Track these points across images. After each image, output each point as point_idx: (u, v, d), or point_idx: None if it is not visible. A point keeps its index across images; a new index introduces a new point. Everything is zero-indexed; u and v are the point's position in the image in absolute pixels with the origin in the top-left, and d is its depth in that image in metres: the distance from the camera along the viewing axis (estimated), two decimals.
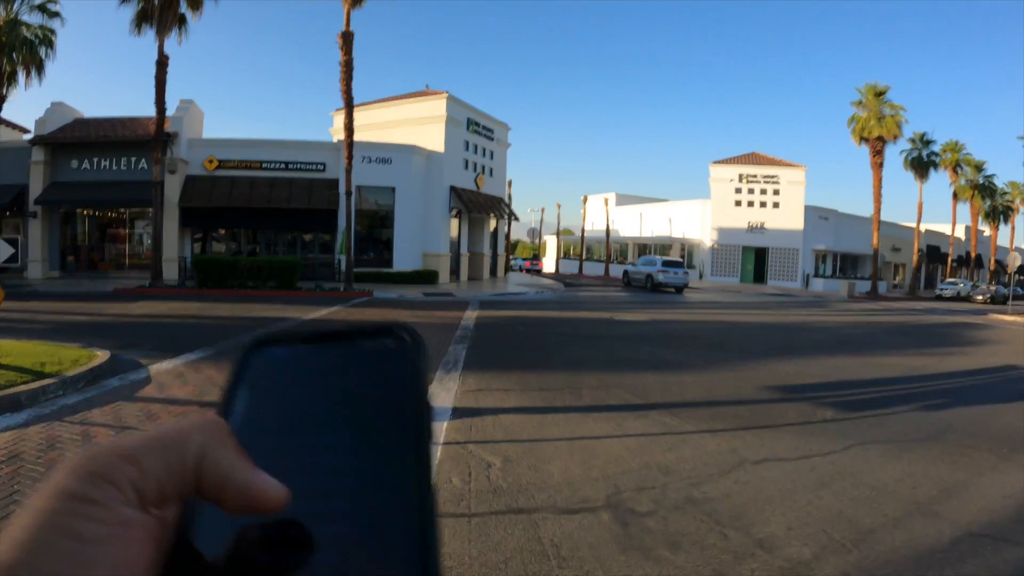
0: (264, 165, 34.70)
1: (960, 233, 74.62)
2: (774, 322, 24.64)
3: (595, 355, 14.00)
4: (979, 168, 66.18)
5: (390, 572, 0.36)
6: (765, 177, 59.75)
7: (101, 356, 11.08)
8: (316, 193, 34.15)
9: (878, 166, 51.97)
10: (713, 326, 22.02)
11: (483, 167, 41.10)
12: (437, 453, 6.92)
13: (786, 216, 59.14)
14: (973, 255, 76.13)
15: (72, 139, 34.99)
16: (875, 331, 22.74)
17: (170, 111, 34.38)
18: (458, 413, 8.62)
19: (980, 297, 53.05)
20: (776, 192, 59.80)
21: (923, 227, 66.12)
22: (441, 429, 7.87)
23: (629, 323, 21.46)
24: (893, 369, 14.15)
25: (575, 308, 26.58)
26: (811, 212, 59.79)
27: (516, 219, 45.04)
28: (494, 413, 8.73)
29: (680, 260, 48.56)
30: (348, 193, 29.19)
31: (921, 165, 60.01)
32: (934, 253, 69.84)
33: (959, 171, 64.85)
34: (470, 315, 21.21)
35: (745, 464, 7.15)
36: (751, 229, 59.51)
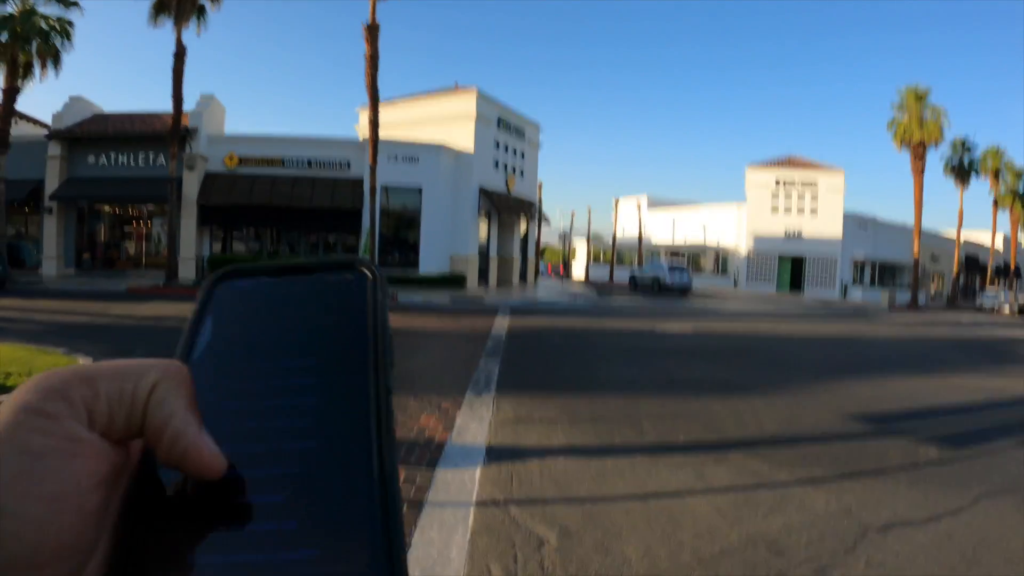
0: (286, 163, 33.36)
1: (999, 243, 71.32)
2: (824, 335, 22.97)
3: (646, 374, 12.33)
4: (1020, 175, 63.03)
5: (350, 481, 0.37)
6: (803, 182, 57.74)
7: None
8: (340, 192, 32.74)
9: (919, 172, 50.06)
10: (762, 339, 20.36)
11: (513, 168, 39.50)
12: (469, 517, 5.36)
13: (824, 223, 56.97)
14: (1012, 265, 70.58)
15: (89, 133, 33.92)
16: (934, 346, 20.85)
17: (190, 107, 33.32)
18: (494, 454, 6.96)
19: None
20: (814, 198, 57.66)
21: (963, 236, 64.11)
22: (474, 480, 6.25)
23: (672, 335, 19.79)
24: (975, 392, 12.34)
25: (612, 317, 24.99)
26: (849, 219, 57.49)
27: (548, 223, 43.45)
28: (539, 455, 7.04)
29: (683, 265, 50.37)
30: (373, 191, 27.72)
31: (962, 171, 57.81)
32: (972, 263, 67.45)
33: (1000, 178, 61.93)
34: (501, 323, 19.65)
35: (869, 534, 5.46)
36: (788, 236, 57.45)
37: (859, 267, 58.94)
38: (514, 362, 12.63)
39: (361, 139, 34.31)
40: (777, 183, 57.78)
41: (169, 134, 28.14)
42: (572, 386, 10.76)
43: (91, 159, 33.92)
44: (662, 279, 43.01)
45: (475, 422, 8.11)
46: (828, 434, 8.67)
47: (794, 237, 57.52)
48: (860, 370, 14.35)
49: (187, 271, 31.41)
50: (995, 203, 63.86)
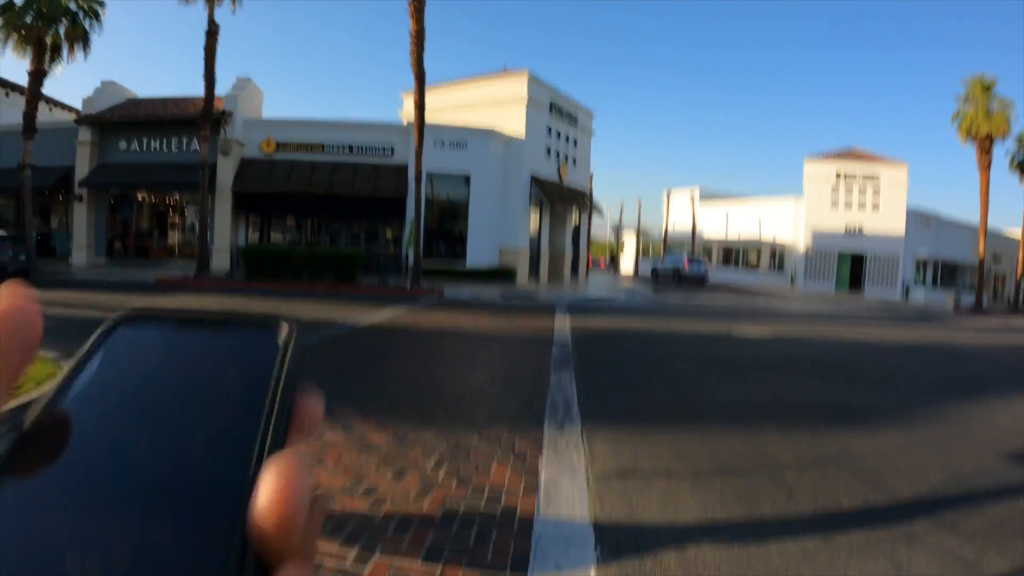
0: (326, 148, 31.50)
1: None
2: (910, 342, 20.40)
3: (750, 394, 10.07)
4: None
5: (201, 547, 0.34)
6: (864, 176, 54.60)
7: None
8: (383, 179, 30.78)
9: (986, 167, 47.14)
10: (849, 347, 17.97)
11: (566, 155, 37.25)
12: None
13: (886, 219, 53.94)
14: None
15: (120, 118, 32.40)
16: None
17: (225, 90, 31.58)
18: (608, 541, 4.60)
19: None
20: (876, 192, 54.55)
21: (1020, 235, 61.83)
22: None
23: (753, 341, 17.47)
24: None
25: (678, 317, 22.69)
26: (912, 216, 54.50)
27: (601, 214, 41.13)
28: (673, 539, 4.75)
29: (700, 257, 53.74)
30: (418, 178, 25.70)
31: None
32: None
33: None
34: (562, 324, 17.46)
35: None
36: (848, 232, 54.47)
37: (921, 266, 56.09)
38: (591, 377, 10.42)
39: (405, 123, 32.35)
40: (837, 176, 54.79)
41: (201, 116, 26.30)
42: (673, 413, 8.53)
43: (122, 145, 32.37)
44: (680, 270, 47.01)
45: (566, 476, 5.85)
46: (1005, 486, 6.40)
47: (854, 233, 54.52)
48: (979, 389, 11.91)
49: (221, 261, 29.62)
50: None
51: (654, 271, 51.41)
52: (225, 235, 30.61)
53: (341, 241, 32.86)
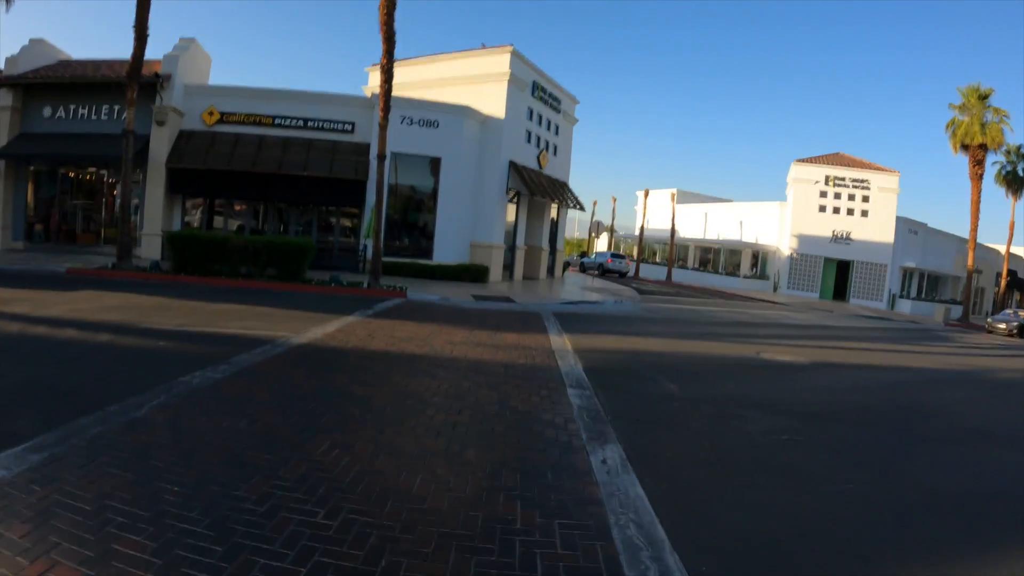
0: (277, 121, 27.52)
1: None
2: (963, 369, 17.99)
3: (886, 485, 6.66)
4: None
5: None
6: (854, 181, 52.52)
7: None
8: (340, 159, 26.88)
9: (978, 177, 46.39)
10: (895, 376, 15.13)
11: (547, 143, 33.58)
12: None
13: (875, 227, 51.93)
14: None
15: (45, 79, 27.99)
16: None
17: (166, 51, 27.57)
18: None
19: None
20: (865, 199, 52.53)
21: (1002, 248, 61.16)
22: None
23: (795, 369, 14.30)
24: None
25: (689, 330, 19.47)
26: (901, 224, 52.67)
27: (582, 209, 37.45)
28: None
29: (623, 253, 63.23)
30: (381, 157, 21.93)
31: (1016, 180, 53.59)
32: (1012, 278, 62.43)
33: None
34: (560, 343, 13.90)
35: None
36: (835, 239, 52.31)
37: (907, 276, 54.26)
38: (651, 457, 6.82)
39: (369, 95, 28.54)
40: (827, 180, 52.56)
41: (128, 75, 22.23)
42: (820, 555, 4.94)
43: (47, 112, 28.03)
44: (604, 264, 55.68)
45: None
46: None
47: (842, 239, 52.45)
48: None
49: (151, 249, 25.63)
50: None
51: (581, 265, 57.70)
52: (157, 219, 26.53)
53: (292, 229, 28.90)
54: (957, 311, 49.36)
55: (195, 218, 28.86)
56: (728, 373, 13.03)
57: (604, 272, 54.47)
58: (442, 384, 9.12)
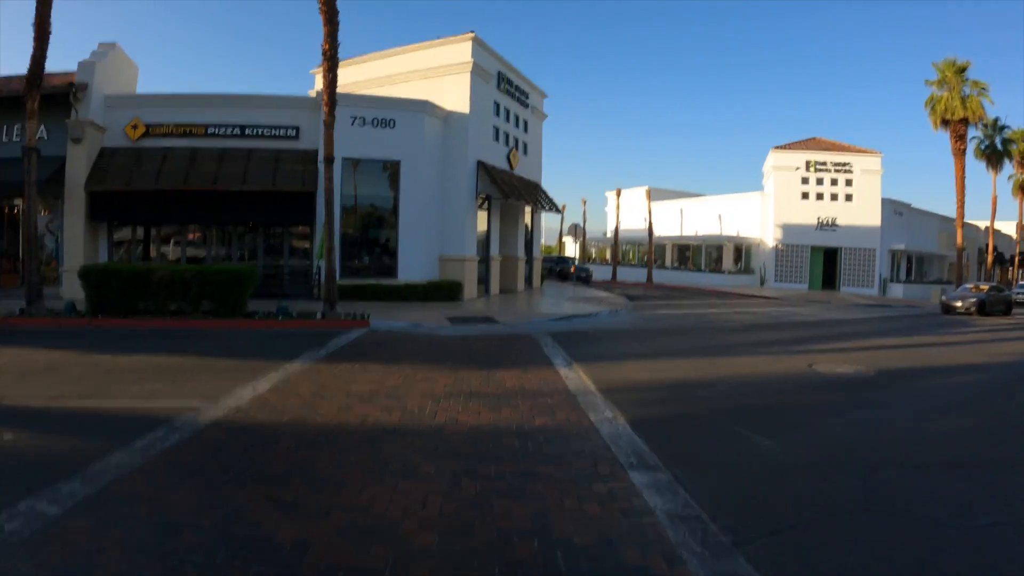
0: (211, 130, 24.02)
1: (1011, 231, 68.75)
2: (1007, 360, 16.14)
3: None
4: None
5: None
6: (836, 165, 50.20)
7: None
8: (285, 169, 23.46)
9: (961, 153, 44.75)
10: (977, 378, 13.24)
11: (516, 140, 30.39)
12: None
13: (861, 211, 49.53)
14: None
15: None
16: None
17: (83, 57, 24.11)
18: None
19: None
20: (848, 183, 50.17)
21: (981, 225, 62.49)
22: None
23: (865, 385, 11.54)
24: None
25: (708, 342, 16.57)
26: (886, 206, 50.42)
27: (558, 211, 34.31)
28: None
29: (570, 257, 61.69)
30: (328, 161, 18.66)
31: (995, 154, 53.50)
32: (996, 254, 61.26)
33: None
34: (579, 384, 10.59)
35: None
36: (821, 226, 49.85)
37: (896, 259, 52.06)
38: None
39: (314, 94, 25.21)
40: (808, 166, 50.19)
41: (27, 85, 18.68)
42: None
43: None
44: (566, 269, 51.32)
45: None
46: None
47: (828, 226, 50.00)
48: None
49: (72, 288, 21.82)
50: (1021, 189, 59.56)
51: (550, 270, 51.91)
52: (78, 252, 22.90)
53: (236, 253, 25.38)
54: (949, 292, 47.29)
55: (126, 249, 25.23)
56: (804, 403, 10.09)
57: (565, 277, 51.43)
58: (430, 495, 5.70)
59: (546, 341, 15.53)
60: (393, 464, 6.51)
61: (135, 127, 24.01)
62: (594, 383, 10.63)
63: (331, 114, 18.62)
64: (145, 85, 25.16)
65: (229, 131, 24.07)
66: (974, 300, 32.37)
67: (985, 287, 34.29)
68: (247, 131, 24.09)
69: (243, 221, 24.80)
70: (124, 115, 24.09)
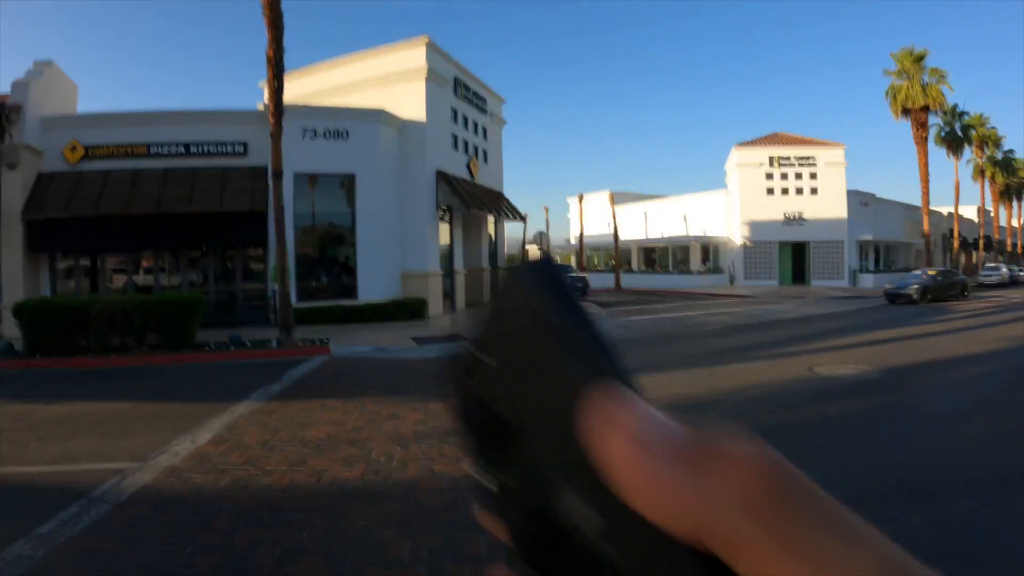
0: (153, 150, 22.74)
1: (972, 215, 70.47)
2: (983, 352, 15.11)
3: None
4: (998, 144, 62.04)
5: None
6: (799, 159, 50.21)
7: None
8: (233, 187, 22.26)
9: (923, 140, 44.60)
10: (988, 369, 12.98)
11: (476, 148, 29.40)
12: None
13: (827, 204, 49.41)
14: (998, 237, 72.54)
15: None
16: None
17: (19, 75, 22.82)
18: None
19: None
20: (813, 176, 50.09)
21: (944, 211, 63.56)
22: None
23: (871, 388, 10.84)
24: None
25: (695, 349, 15.74)
26: (852, 197, 50.35)
27: (523, 220, 33.38)
28: None
29: (563, 264, 49.51)
30: (277, 175, 17.57)
31: (955, 140, 54.93)
32: (950, 239, 62.26)
33: (983, 148, 60.38)
34: None
35: None
36: (788, 220, 49.68)
37: (864, 250, 52.38)
38: None
39: (262, 108, 24.04)
40: (772, 161, 50.02)
41: None
42: None
43: None
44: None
45: None
46: None
47: (795, 220, 49.86)
48: None
49: (10, 327, 20.42)
50: (981, 173, 62.09)
51: None
52: (17, 286, 21.46)
53: (185, 280, 24.06)
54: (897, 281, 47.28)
55: (74, 281, 23.85)
56: (823, 416, 9.31)
57: None
58: None
59: None
60: (356, 545, 5.39)
61: (74, 149, 22.68)
62: None
63: (278, 124, 17.53)
64: (87, 107, 24.11)
65: (173, 150, 22.82)
66: (917, 287, 31.14)
67: (933, 272, 33.53)
68: (192, 149, 22.83)
69: (193, 245, 23.53)
70: (62, 137, 22.74)
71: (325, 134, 22.86)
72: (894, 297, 31.54)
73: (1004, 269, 50.99)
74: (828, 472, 6.74)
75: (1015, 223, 78.97)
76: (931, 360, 14.01)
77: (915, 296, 30.69)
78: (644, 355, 15.52)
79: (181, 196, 21.86)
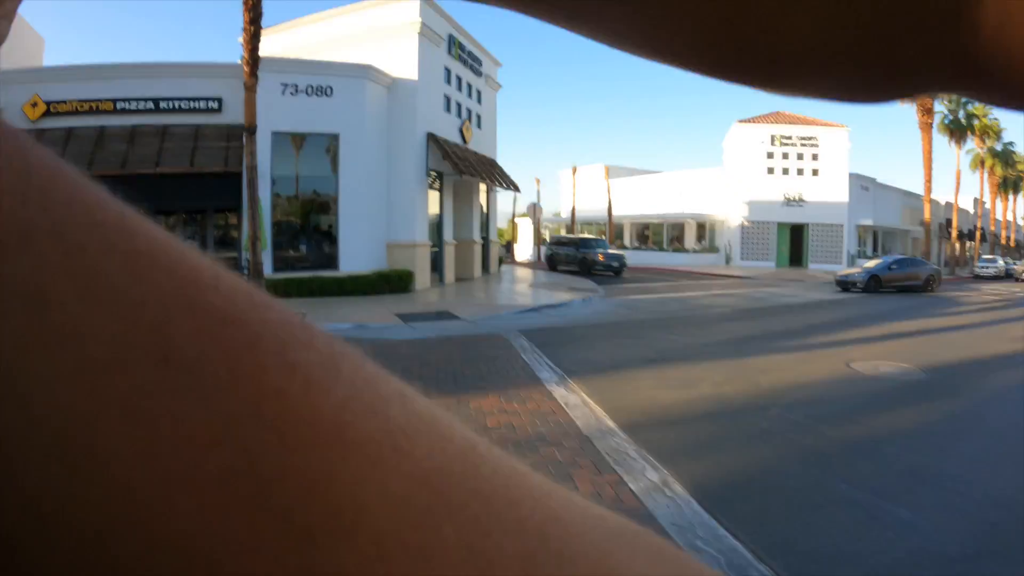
0: (120, 106, 20.90)
1: (967, 206, 69.90)
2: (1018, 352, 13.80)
3: None
4: (999, 135, 60.48)
5: None
6: (802, 139, 49.19)
7: None
8: (205, 147, 20.50)
9: (927, 127, 43.28)
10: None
11: (469, 111, 27.74)
12: None
13: (827, 186, 48.31)
14: (993, 230, 72.47)
15: None
16: None
17: None
18: None
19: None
20: (815, 157, 49.06)
21: (942, 200, 62.11)
22: None
23: (932, 391, 9.48)
24: None
25: (710, 335, 14.46)
26: (853, 181, 49.25)
27: (517, 190, 31.80)
28: None
29: (595, 238, 41.55)
30: (250, 131, 15.95)
31: (959, 129, 54.12)
32: (947, 228, 61.42)
33: (983, 138, 59.06)
34: (587, 419, 7.73)
35: None
36: (788, 202, 48.48)
37: (863, 235, 51.92)
38: None
39: (239, 62, 22.37)
40: (773, 140, 48.84)
41: None
42: None
43: None
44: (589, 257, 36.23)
45: None
46: None
47: (795, 201, 48.77)
48: None
49: None
50: (981, 164, 61.75)
51: (554, 256, 39.07)
52: None
53: None
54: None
55: None
56: (891, 430, 7.69)
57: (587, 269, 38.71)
58: None
59: (521, 343, 12.84)
60: None
61: (34, 105, 20.83)
62: (607, 412, 7.86)
63: (252, 75, 15.96)
64: (56, 62, 22.57)
65: (141, 106, 20.97)
66: (864, 278, 28.92)
67: (891, 261, 30.90)
68: (162, 105, 21.01)
69: (162, 210, 21.79)
70: (23, 92, 20.88)
71: (308, 90, 21.09)
72: (846, 286, 29.54)
73: (1000, 262, 50.34)
74: (928, 513, 5.26)
75: (1010, 216, 78.55)
76: (971, 359, 12.63)
77: (859, 285, 28.82)
78: (657, 341, 13.88)
79: (148, 156, 20.11)
